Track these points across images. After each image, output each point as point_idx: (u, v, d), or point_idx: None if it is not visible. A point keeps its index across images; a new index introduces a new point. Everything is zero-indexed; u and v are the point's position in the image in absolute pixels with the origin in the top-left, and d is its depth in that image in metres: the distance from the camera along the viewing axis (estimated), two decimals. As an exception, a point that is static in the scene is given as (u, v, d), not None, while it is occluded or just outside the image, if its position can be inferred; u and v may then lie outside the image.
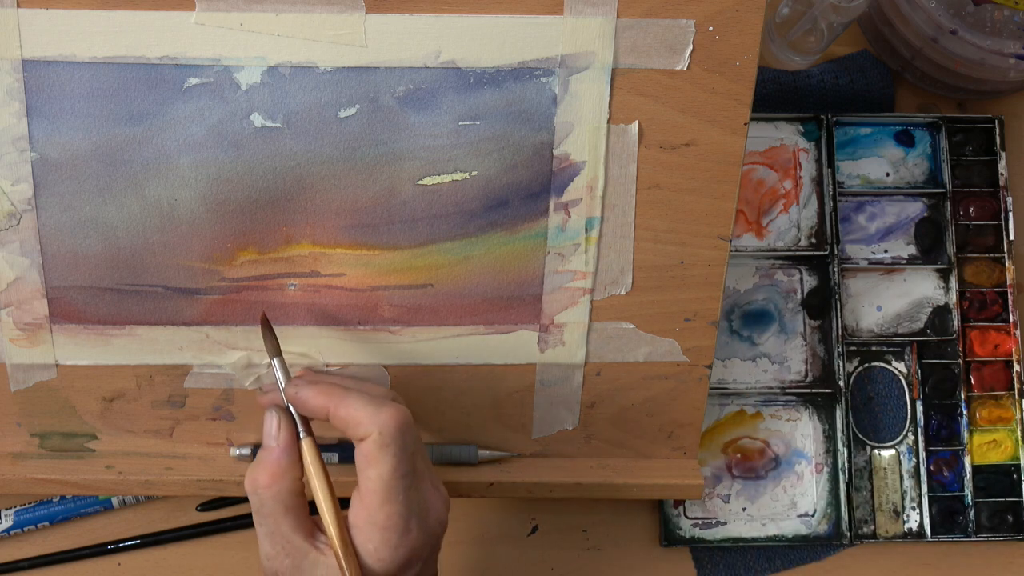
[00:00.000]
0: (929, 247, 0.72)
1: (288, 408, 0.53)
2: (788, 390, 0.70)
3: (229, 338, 0.59)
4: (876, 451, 0.70)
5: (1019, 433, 0.70)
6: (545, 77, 0.55)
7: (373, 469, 0.49)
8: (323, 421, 0.52)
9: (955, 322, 0.71)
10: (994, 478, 0.70)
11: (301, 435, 0.52)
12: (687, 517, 0.69)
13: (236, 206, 0.56)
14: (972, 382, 0.70)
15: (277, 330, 0.58)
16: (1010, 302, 0.71)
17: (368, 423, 0.49)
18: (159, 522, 0.68)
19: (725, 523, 0.69)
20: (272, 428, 0.52)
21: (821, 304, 0.70)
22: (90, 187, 0.55)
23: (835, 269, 0.70)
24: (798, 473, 0.70)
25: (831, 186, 0.70)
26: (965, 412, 0.70)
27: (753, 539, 0.69)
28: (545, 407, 0.62)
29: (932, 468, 0.70)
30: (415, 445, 0.51)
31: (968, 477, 0.70)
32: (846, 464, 0.69)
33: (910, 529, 0.69)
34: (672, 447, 0.64)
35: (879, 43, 0.73)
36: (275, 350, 0.55)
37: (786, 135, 0.71)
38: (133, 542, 0.67)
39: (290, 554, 0.50)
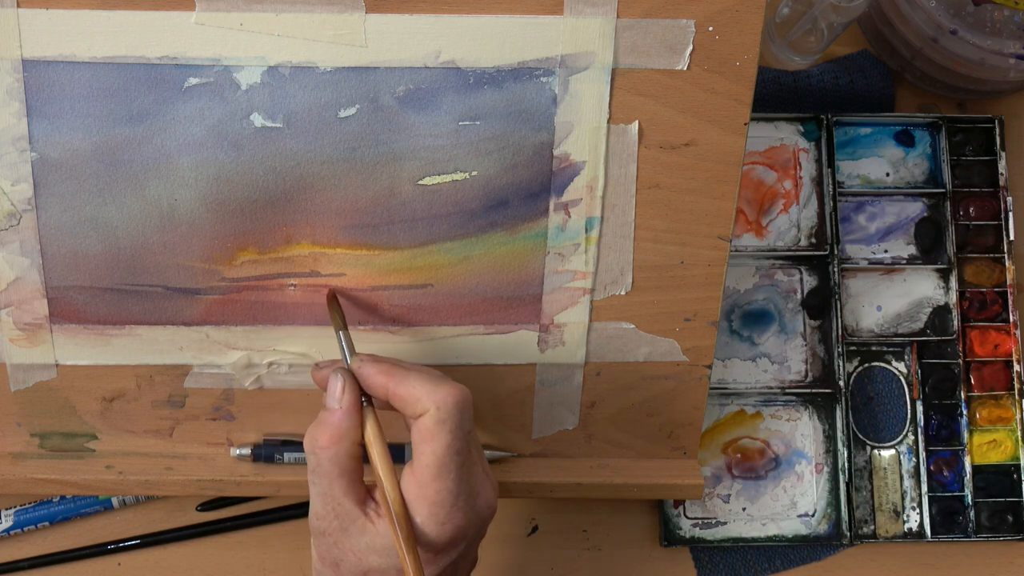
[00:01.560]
0: (929, 247, 0.72)
1: (352, 374, 0.53)
2: (788, 390, 0.70)
3: (229, 338, 0.59)
4: (876, 451, 0.70)
5: (1019, 433, 0.70)
6: (545, 77, 0.55)
7: (428, 444, 0.49)
8: (382, 400, 0.52)
9: (955, 322, 0.71)
10: (994, 478, 0.70)
11: (364, 403, 0.52)
12: (687, 517, 0.69)
13: (236, 206, 0.56)
14: (972, 382, 0.70)
15: (277, 330, 0.58)
16: (1010, 302, 0.71)
17: (426, 399, 0.50)
18: (159, 522, 0.68)
19: (725, 523, 0.69)
20: (336, 390, 0.52)
21: (821, 304, 0.70)
22: (90, 187, 0.55)
23: (835, 269, 0.70)
24: (798, 473, 0.70)
25: (831, 186, 0.70)
26: (965, 412, 0.70)
27: (753, 539, 0.69)
28: (545, 407, 0.62)
29: (932, 468, 0.70)
30: (471, 426, 0.51)
31: (968, 477, 0.70)
32: (846, 464, 0.69)
33: (910, 529, 0.69)
34: (672, 447, 0.64)
35: (879, 43, 0.73)
36: (341, 324, 0.55)
37: (786, 135, 0.71)
38: (133, 542, 0.67)
39: (339, 516, 0.51)
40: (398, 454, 0.51)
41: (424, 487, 0.50)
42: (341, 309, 0.57)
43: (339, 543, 0.51)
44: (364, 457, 0.52)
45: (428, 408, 0.50)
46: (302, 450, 0.61)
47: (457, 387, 0.51)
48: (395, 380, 0.51)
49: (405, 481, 0.50)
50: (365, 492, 0.51)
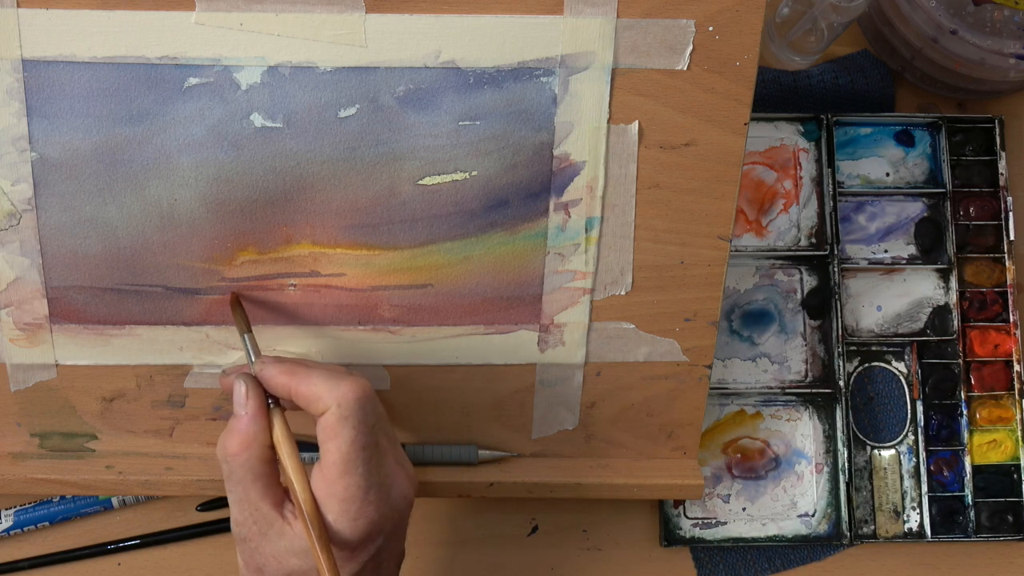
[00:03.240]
0: (929, 247, 0.72)
1: (255, 378, 0.53)
2: (788, 390, 0.70)
3: (229, 338, 0.59)
4: (876, 451, 0.70)
5: (1019, 433, 0.70)
6: (545, 77, 0.55)
7: (332, 441, 0.49)
8: (288, 400, 0.52)
9: (955, 322, 0.71)
10: (994, 478, 0.70)
11: (270, 405, 0.52)
12: (687, 517, 0.69)
13: (236, 206, 0.56)
14: (972, 382, 0.70)
15: (277, 330, 0.58)
16: (1010, 302, 0.71)
17: (327, 397, 0.50)
18: (159, 522, 0.68)
19: (725, 523, 0.69)
20: (240, 396, 0.52)
21: (821, 304, 0.70)
22: (90, 187, 0.55)
23: (835, 269, 0.70)
24: (798, 473, 0.70)
25: (831, 186, 0.70)
26: (965, 412, 0.70)
27: (753, 539, 0.69)
28: (545, 407, 0.62)
29: (932, 468, 0.70)
30: (376, 419, 0.51)
31: (968, 477, 0.70)
32: (846, 464, 0.69)
33: (910, 529, 0.69)
34: (672, 447, 0.64)
35: (879, 43, 0.73)
36: (245, 327, 0.55)
37: (786, 135, 0.71)
38: (133, 542, 0.67)
39: (257, 521, 0.51)
40: (317, 450, 0.51)
41: (332, 484, 0.49)
42: (244, 312, 0.56)
43: (260, 548, 0.51)
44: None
45: (329, 405, 0.50)
46: (302, 450, 0.61)
47: (358, 381, 0.50)
48: (296, 379, 0.51)
49: (315, 480, 0.50)
50: (282, 494, 0.51)
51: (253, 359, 0.54)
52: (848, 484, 0.69)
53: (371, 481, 0.50)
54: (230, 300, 0.57)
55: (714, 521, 0.69)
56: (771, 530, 0.69)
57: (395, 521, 0.52)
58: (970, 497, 0.69)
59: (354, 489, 0.49)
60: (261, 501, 0.51)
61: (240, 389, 0.52)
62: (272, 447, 0.51)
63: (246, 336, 0.55)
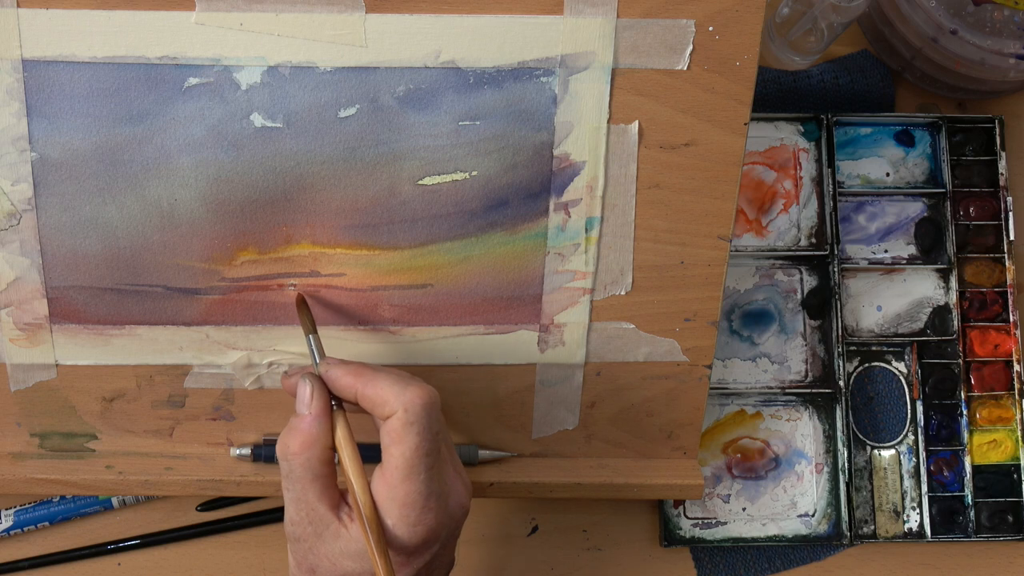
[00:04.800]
0: (929, 247, 0.72)
1: (320, 378, 0.53)
2: (788, 390, 0.70)
3: (229, 338, 0.59)
4: (876, 451, 0.70)
5: (1019, 433, 0.70)
6: (545, 77, 0.55)
7: (396, 447, 0.49)
8: (351, 402, 0.52)
9: (955, 322, 0.71)
10: (994, 478, 0.70)
11: (333, 406, 0.52)
12: (687, 517, 0.69)
13: (236, 206, 0.56)
14: (972, 382, 0.70)
15: (277, 330, 0.58)
16: (1010, 302, 0.71)
17: (394, 401, 0.50)
18: (159, 522, 0.68)
19: (725, 523, 0.69)
20: (305, 396, 0.52)
21: (821, 304, 0.70)
22: (90, 187, 0.55)
23: (835, 269, 0.70)
24: (798, 473, 0.70)
25: (831, 186, 0.70)
26: (965, 412, 0.70)
27: (753, 539, 0.69)
28: (545, 407, 0.62)
29: (932, 468, 0.70)
30: (440, 427, 0.51)
31: (968, 477, 0.70)
32: (846, 464, 0.69)
33: (910, 529, 0.69)
34: (672, 447, 0.64)
35: (879, 43, 0.73)
36: (311, 327, 0.55)
37: (786, 135, 0.71)
38: (133, 542, 0.67)
39: (313, 522, 0.51)
40: (375, 455, 0.51)
41: (394, 489, 0.49)
42: (310, 313, 0.56)
43: (314, 549, 0.51)
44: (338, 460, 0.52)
45: (396, 410, 0.50)
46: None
47: (425, 388, 0.50)
48: (363, 381, 0.51)
49: (375, 484, 0.50)
50: (339, 496, 0.51)
51: (318, 360, 0.54)
52: (848, 484, 0.69)
53: (432, 488, 0.50)
54: (296, 300, 0.57)
55: (714, 521, 0.69)
56: (771, 530, 0.69)
57: (451, 529, 0.52)
58: (970, 497, 0.69)
59: (415, 495, 0.49)
60: (318, 502, 0.51)
61: (305, 389, 0.52)
62: (332, 448, 0.51)
63: (311, 337, 0.55)
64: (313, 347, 0.54)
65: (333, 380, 0.52)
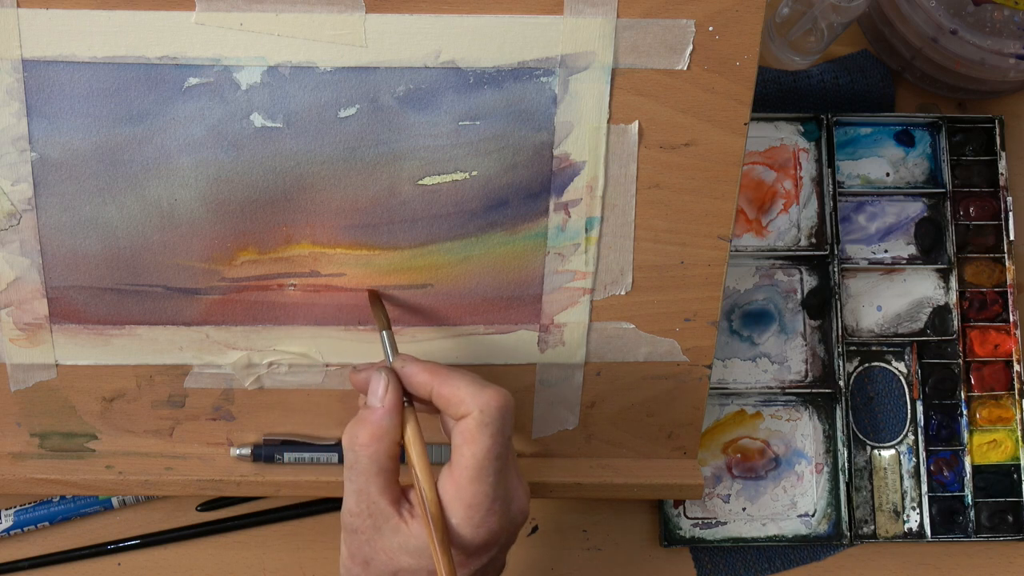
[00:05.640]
0: (929, 247, 0.72)
1: (396, 373, 0.53)
2: (788, 390, 0.70)
3: (229, 338, 0.59)
4: (876, 451, 0.70)
5: (1019, 433, 0.70)
6: (545, 77, 0.55)
7: (468, 447, 0.49)
8: (423, 400, 0.52)
9: (955, 322, 0.71)
10: (994, 478, 0.70)
11: (406, 403, 0.52)
12: (687, 517, 0.69)
13: (236, 206, 0.56)
14: (972, 382, 0.70)
15: (277, 330, 0.58)
16: (1010, 302, 0.71)
17: (470, 402, 0.50)
18: (159, 522, 0.68)
19: (725, 523, 0.69)
20: (379, 388, 0.52)
21: (821, 304, 0.70)
22: (90, 187, 0.55)
23: (835, 269, 0.70)
24: (798, 473, 0.70)
25: (831, 186, 0.70)
26: (965, 412, 0.70)
27: (753, 539, 0.69)
28: (545, 407, 0.62)
29: (932, 468, 0.70)
30: (511, 432, 0.51)
31: (968, 477, 0.70)
32: (846, 464, 0.69)
33: (910, 529, 0.69)
34: (672, 447, 0.64)
35: (879, 43, 0.73)
36: (385, 323, 0.55)
37: (786, 135, 0.71)
38: (133, 542, 0.67)
39: (372, 515, 0.51)
40: (433, 456, 0.51)
41: (462, 489, 0.50)
42: (384, 309, 0.57)
43: (371, 541, 0.51)
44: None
45: (472, 410, 0.50)
46: (302, 450, 0.62)
47: (501, 391, 0.51)
48: (439, 380, 0.51)
49: (442, 482, 0.50)
50: (400, 492, 0.51)
51: (392, 356, 0.54)
52: (848, 484, 0.69)
53: (498, 492, 0.50)
54: (369, 296, 0.57)
55: (714, 521, 0.69)
56: (771, 530, 0.69)
57: (510, 534, 0.53)
58: (970, 497, 0.69)
59: (482, 497, 0.50)
60: (380, 496, 0.50)
61: (381, 382, 0.52)
62: (399, 444, 0.51)
63: (385, 333, 0.55)
64: (387, 343, 0.54)
65: (409, 376, 0.52)
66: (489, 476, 0.50)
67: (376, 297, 0.57)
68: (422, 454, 0.51)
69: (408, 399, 0.52)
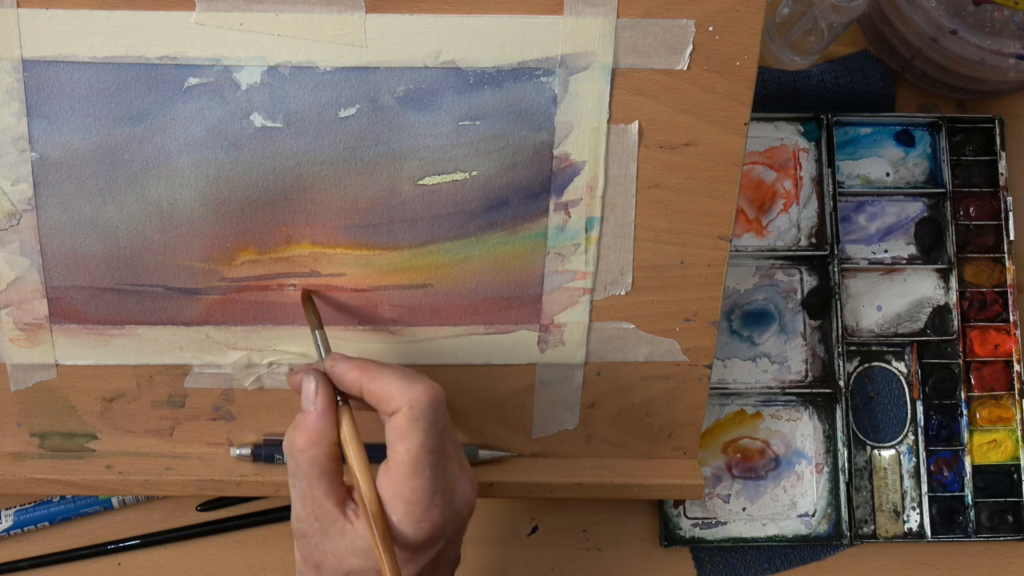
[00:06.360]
0: (929, 247, 0.72)
1: (326, 375, 0.52)
2: (788, 390, 0.70)
3: (229, 338, 0.59)
4: (876, 451, 0.70)
5: (1019, 433, 0.70)
6: (545, 77, 0.55)
7: (402, 443, 0.49)
8: (356, 398, 0.52)
9: (955, 322, 0.71)
10: (994, 478, 0.70)
11: (339, 402, 0.52)
12: (687, 517, 0.69)
13: (236, 206, 0.56)
14: (972, 382, 0.70)
15: (277, 330, 0.58)
16: (1010, 302, 0.71)
17: (399, 397, 0.50)
18: (159, 522, 0.68)
19: (725, 523, 0.69)
20: (310, 392, 0.51)
21: (821, 304, 0.70)
22: (90, 187, 0.55)
23: (835, 269, 0.70)
24: (798, 473, 0.70)
25: (831, 186, 0.70)
26: (965, 412, 0.70)
27: (753, 539, 0.69)
28: (545, 407, 0.62)
29: (932, 468, 0.70)
30: (445, 423, 0.51)
31: (968, 477, 0.70)
32: (846, 464, 0.69)
33: (910, 529, 0.69)
34: (672, 447, 0.64)
35: (879, 43, 0.73)
36: (316, 323, 0.55)
37: (786, 135, 0.71)
38: (133, 542, 0.67)
39: (319, 518, 0.50)
40: (379, 455, 0.51)
41: (399, 485, 0.49)
42: (316, 309, 0.56)
43: (319, 545, 0.51)
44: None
45: (401, 406, 0.49)
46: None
47: (430, 384, 0.50)
48: (368, 376, 0.51)
49: (381, 480, 0.50)
50: (345, 493, 0.51)
51: (323, 355, 0.53)
52: (848, 484, 0.69)
53: (437, 485, 0.50)
54: (301, 296, 0.57)
55: (714, 521, 0.69)
56: (771, 530, 0.69)
57: (456, 526, 0.52)
58: (970, 497, 0.69)
59: (420, 492, 0.49)
60: (324, 498, 0.50)
61: (310, 385, 0.52)
62: (338, 445, 0.51)
63: (317, 332, 0.55)
64: (319, 342, 0.54)
65: (338, 375, 0.52)
66: (425, 470, 0.49)
67: (308, 298, 0.57)
68: (359, 452, 0.50)
69: (343, 398, 0.52)
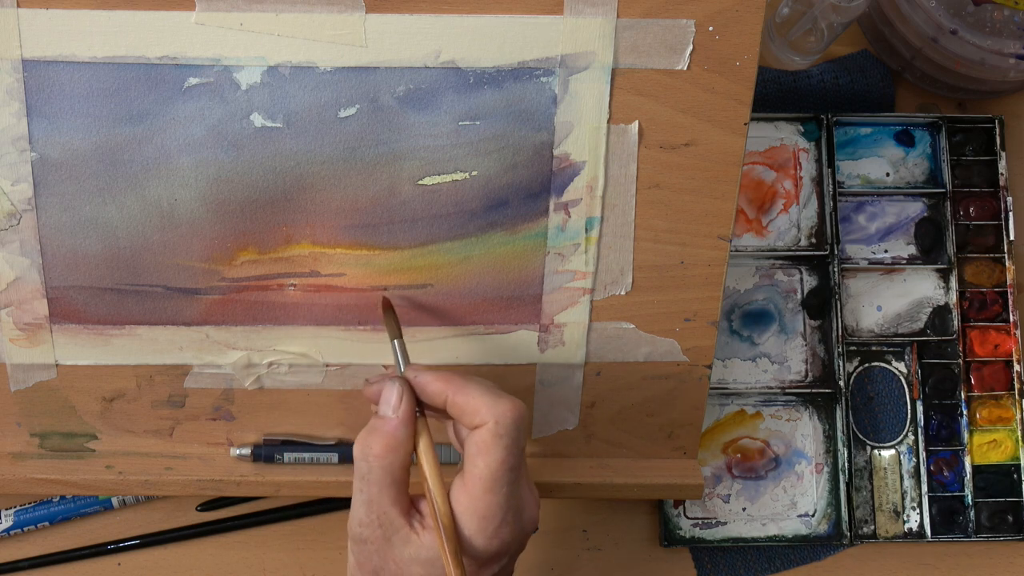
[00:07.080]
0: (929, 247, 0.72)
1: (409, 384, 0.52)
2: (788, 390, 0.70)
3: (229, 338, 0.59)
4: (876, 451, 0.70)
5: (1019, 433, 0.70)
6: (545, 77, 0.55)
7: (483, 458, 0.49)
8: (435, 409, 0.52)
9: (955, 322, 0.71)
10: (994, 478, 0.70)
11: (418, 413, 0.52)
12: (687, 517, 0.69)
13: (236, 206, 0.56)
14: (972, 382, 0.70)
15: (277, 330, 0.58)
16: (1010, 302, 0.71)
17: (485, 412, 0.49)
18: (159, 522, 0.68)
19: (725, 523, 0.69)
20: (393, 399, 0.51)
21: (821, 304, 0.70)
22: (90, 187, 0.55)
23: (835, 269, 0.70)
24: (798, 473, 0.70)
25: (831, 186, 0.70)
26: (965, 412, 0.70)
27: (753, 539, 0.69)
28: (545, 407, 0.62)
29: (932, 468, 0.70)
30: (525, 442, 0.51)
31: (968, 477, 0.70)
32: (846, 464, 0.69)
33: (910, 529, 0.69)
34: (672, 447, 0.64)
35: (879, 43, 0.73)
36: (397, 332, 0.55)
37: (786, 135, 0.71)
38: (133, 542, 0.67)
39: (383, 525, 0.50)
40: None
41: (475, 500, 0.49)
42: (396, 316, 0.56)
43: (381, 552, 0.50)
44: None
45: (487, 421, 0.49)
46: (302, 450, 0.61)
47: (515, 402, 0.50)
48: (453, 389, 0.51)
49: (455, 493, 0.50)
50: (410, 503, 0.51)
51: (404, 365, 0.53)
52: (848, 484, 0.69)
53: (511, 503, 0.50)
54: (382, 304, 0.57)
55: (714, 521, 0.69)
56: (771, 530, 0.69)
57: (521, 544, 0.52)
58: (970, 497, 0.69)
59: (495, 508, 0.49)
60: (391, 506, 0.50)
61: (394, 392, 0.51)
62: (412, 455, 0.51)
63: (396, 342, 0.54)
64: (398, 352, 0.54)
65: (422, 386, 0.52)
66: (503, 487, 0.49)
67: (389, 305, 0.57)
68: (435, 466, 0.50)
69: (420, 409, 0.52)
